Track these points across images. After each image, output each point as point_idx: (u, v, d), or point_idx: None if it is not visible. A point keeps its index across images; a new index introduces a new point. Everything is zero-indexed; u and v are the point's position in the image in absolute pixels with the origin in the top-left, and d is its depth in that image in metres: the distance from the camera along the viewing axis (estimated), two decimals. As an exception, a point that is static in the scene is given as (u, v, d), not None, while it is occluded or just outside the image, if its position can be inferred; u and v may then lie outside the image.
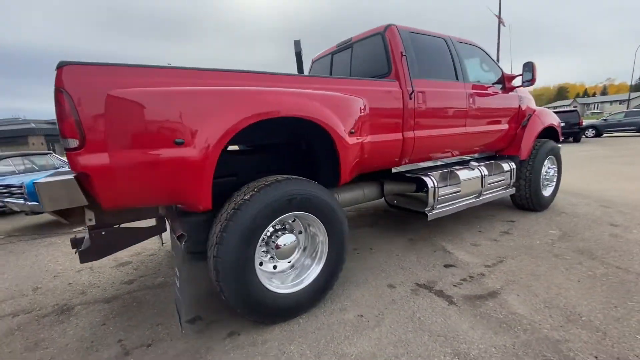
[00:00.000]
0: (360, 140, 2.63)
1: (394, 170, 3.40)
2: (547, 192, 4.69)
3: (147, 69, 1.94)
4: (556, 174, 4.83)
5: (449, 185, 3.59)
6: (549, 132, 4.85)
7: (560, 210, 4.66)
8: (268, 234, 2.31)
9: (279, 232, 2.35)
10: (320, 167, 2.75)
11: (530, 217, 4.40)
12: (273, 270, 2.38)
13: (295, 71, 3.92)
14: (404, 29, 3.28)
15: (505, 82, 4.24)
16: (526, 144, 4.35)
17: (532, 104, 4.73)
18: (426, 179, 3.29)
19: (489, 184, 3.92)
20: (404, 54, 3.14)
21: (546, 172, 4.59)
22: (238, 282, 2.03)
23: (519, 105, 4.43)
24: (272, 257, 2.34)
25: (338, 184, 2.55)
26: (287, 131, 2.73)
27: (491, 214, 4.65)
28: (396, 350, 1.97)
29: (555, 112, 16.84)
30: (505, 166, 4.17)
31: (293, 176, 2.31)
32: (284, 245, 2.33)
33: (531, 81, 4.01)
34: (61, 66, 1.70)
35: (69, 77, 1.70)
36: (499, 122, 4.18)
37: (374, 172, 3.38)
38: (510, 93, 4.30)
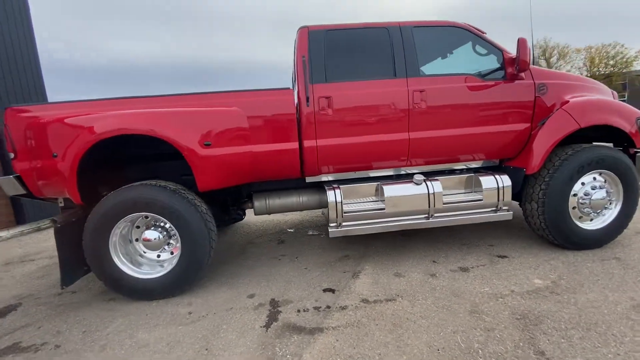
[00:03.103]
0: (222, 152, 2.76)
1: (308, 179, 3.25)
2: (590, 224, 3.14)
3: (58, 104, 2.83)
4: (616, 199, 3.13)
5: (376, 201, 3.09)
6: (616, 136, 3.19)
7: (618, 253, 3.04)
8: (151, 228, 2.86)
9: (152, 228, 2.86)
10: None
11: (541, 256, 3.11)
12: (157, 258, 2.92)
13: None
14: (319, 29, 3.05)
15: (507, 68, 3.12)
16: (537, 151, 3.07)
17: (576, 92, 3.22)
18: (329, 192, 3.00)
19: (446, 203, 3.07)
20: (304, 58, 2.95)
21: (585, 194, 3.07)
22: (96, 264, 2.70)
23: (537, 97, 3.16)
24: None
25: (198, 190, 2.79)
26: None
27: (493, 243, 3.53)
28: (164, 347, 2.16)
29: None
30: (487, 182, 3.11)
31: (150, 182, 2.76)
32: (154, 239, 2.83)
33: (520, 64, 2.83)
34: (6, 108, 2.77)
35: (9, 115, 2.75)
36: (489, 123, 3.15)
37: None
38: (516, 82, 3.13)
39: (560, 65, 34.55)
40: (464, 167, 3.47)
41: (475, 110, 3.11)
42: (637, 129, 3.13)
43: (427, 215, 3.09)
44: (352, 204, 3.07)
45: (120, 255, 2.78)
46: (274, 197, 3.43)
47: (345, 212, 2.99)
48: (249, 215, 4.52)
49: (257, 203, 3.42)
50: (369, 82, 3.00)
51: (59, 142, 2.61)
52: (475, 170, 3.40)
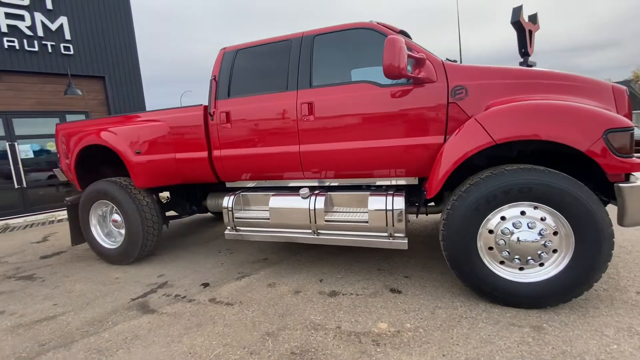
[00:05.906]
0: (149, 158, 3.48)
1: (228, 185, 3.62)
2: (519, 274, 2.30)
3: (86, 121, 4.21)
4: (563, 246, 2.16)
5: (263, 210, 3.20)
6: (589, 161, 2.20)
7: (552, 323, 2.15)
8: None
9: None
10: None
11: (440, 300, 2.52)
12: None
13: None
14: (232, 49, 3.36)
15: (415, 72, 2.63)
16: (439, 172, 2.47)
17: (525, 94, 2.39)
18: (224, 198, 3.30)
19: (328, 221, 2.87)
20: (214, 77, 3.33)
21: (502, 232, 2.27)
22: (85, 231, 3.92)
23: (450, 103, 2.54)
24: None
25: (135, 187, 3.62)
26: None
27: (412, 275, 3.00)
28: (75, 296, 3.07)
29: None
30: (374, 203, 2.71)
31: (113, 178, 3.77)
32: (119, 220, 3.88)
33: (385, 69, 2.34)
34: (57, 124, 4.32)
35: (57, 129, 4.29)
36: (385, 136, 2.76)
37: None
38: (426, 85, 2.61)
39: None
40: (389, 183, 3.08)
41: (369, 121, 2.77)
42: (606, 146, 2.07)
43: (312, 231, 2.98)
44: (247, 211, 3.27)
45: (97, 228, 3.93)
46: (218, 199, 3.97)
47: (236, 218, 3.24)
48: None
49: (209, 201, 4.04)
50: (262, 97, 3.12)
51: (69, 149, 3.93)
52: (386, 188, 2.98)
